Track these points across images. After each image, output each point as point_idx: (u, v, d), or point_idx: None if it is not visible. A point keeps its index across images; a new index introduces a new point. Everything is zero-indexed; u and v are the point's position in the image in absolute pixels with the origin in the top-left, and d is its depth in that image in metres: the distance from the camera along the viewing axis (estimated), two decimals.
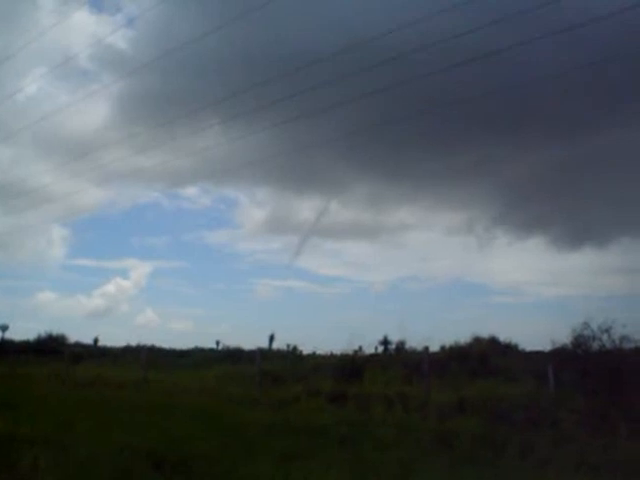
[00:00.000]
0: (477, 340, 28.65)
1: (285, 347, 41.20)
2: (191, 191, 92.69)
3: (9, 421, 10.13)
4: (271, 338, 38.48)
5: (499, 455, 8.78)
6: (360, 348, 28.90)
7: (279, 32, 37.45)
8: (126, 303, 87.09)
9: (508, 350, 28.82)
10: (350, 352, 24.36)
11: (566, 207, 62.06)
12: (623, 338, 13.61)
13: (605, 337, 13.76)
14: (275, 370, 22.52)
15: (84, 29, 62.97)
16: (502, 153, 54.53)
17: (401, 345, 33.01)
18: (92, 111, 72.35)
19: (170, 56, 33.93)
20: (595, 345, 13.85)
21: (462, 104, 28.80)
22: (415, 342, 26.50)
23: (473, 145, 52.12)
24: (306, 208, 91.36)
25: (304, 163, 59.65)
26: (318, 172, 65.25)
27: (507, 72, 23.93)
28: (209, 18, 38.41)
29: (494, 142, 52.52)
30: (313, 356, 34.94)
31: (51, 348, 37.12)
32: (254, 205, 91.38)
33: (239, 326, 72.94)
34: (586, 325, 13.97)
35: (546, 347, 17.17)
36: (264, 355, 24.49)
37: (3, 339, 38.79)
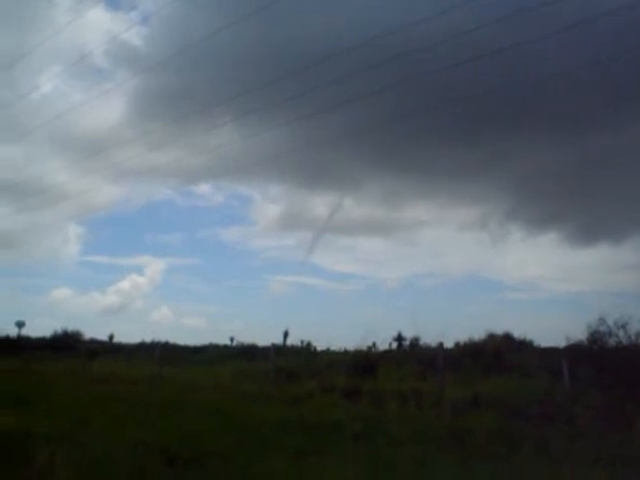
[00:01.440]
0: (491, 336, 28.53)
1: (299, 343, 41.16)
2: (205, 188, 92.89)
3: (25, 417, 10.21)
4: (285, 334, 38.48)
5: (514, 451, 8.73)
6: (374, 344, 28.79)
7: (292, 29, 37.48)
8: (140, 300, 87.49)
9: (522, 346, 28.63)
10: (364, 348, 24.34)
11: (580, 203, 61.53)
12: (639, 334, 13.53)
13: (621, 333, 13.68)
14: (289, 366, 22.53)
15: (99, 27, 63.20)
16: (516, 149, 54.17)
17: (415, 341, 32.90)
18: (107, 109, 72.63)
19: (184, 53, 34.02)
20: (611, 341, 13.77)
21: (476, 100, 28.61)
22: (429, 338, 26.37)
23: (487, 141, 51.83)
24: (320, 204, 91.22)
25: (317, 160, 59.54)
26: (331, 169, 65.13)
27: (521, 68, 23.79)
28: (223, 15, 38.51)
29: (508, 138, 52.18)
30: (327, 352, 34.87)
31: (67, 344, 37.39)
32: (268, 202, 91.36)
33: (253, 322, 72.96)
34: (602, 321, 13.88)
35: (561, 343, 17.05)
36: (278, 351, 24.50)
37: (19, 336, 39.16)
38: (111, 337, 51.25)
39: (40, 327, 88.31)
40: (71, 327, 43.36)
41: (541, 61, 23.56)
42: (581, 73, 26.99)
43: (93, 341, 45.44)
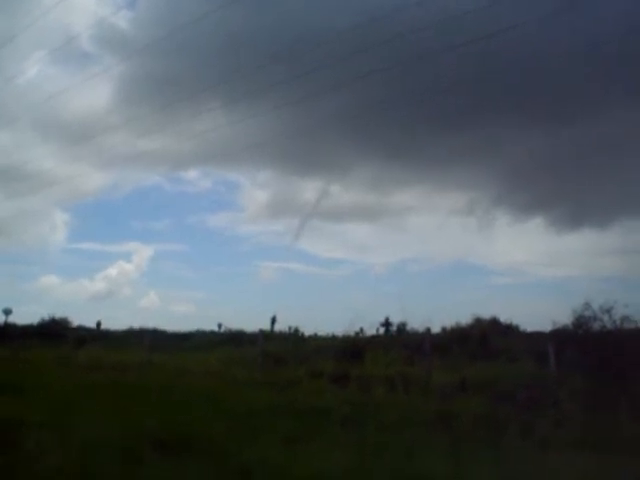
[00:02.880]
0: (478, 321, 28.63)
1: (287, 329, 41.20)
2: (193, 174, 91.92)
3: (14, 404, 10.18)
4: (273, 320, 38.44)
5: (500, 435, 8.83)
6: (361, 330, 28.95)
7: (280, 14, 37.17)
8: (129, 286, 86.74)
9: (509, 331, 28.78)
10: (351, 334, 24.45)
11: (566, 188, 61.60)
12: (624, 318, 13.67)
13: (606, 317, 13.82)
14: (277, 352, 22.58)
15: (86, 10, 61.97)
16: (504, 135, 54.04)
17: (402, 326, 32.97)
18: (94, 94, 71.59)
19: (172, 37, 33.65)
20: (596, 325, 13.90)
21: (464, 86, 28.60)
22: (416, 323, 26.47)
23: (475, 126, 51.61)
24: (308, 190, 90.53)
25: (306, 145, 59.04)
26: (320, 154, 64.60)
27: (509, 52, 23.80)
28: None
29: (496, 124, 52.09)
30: (315, 338, 34.96)
31: (55, 332, 37.20)
32: (256, 188, 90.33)
33: (241, 308, 72.61)
34: (587, 305, 14.02)
35: (547, 328, 17.18)
36: (266, 337, 24.56)
37: (7, 323, 38.90)
38: (99, 324, 50.97)
39: (28, 314, 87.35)
40: (59, 314, 43.11)
41: (529, 47, 23.61)
42: (569, 60, 27.11)
43: (81, 328, 45.22)
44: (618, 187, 51.06)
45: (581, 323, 14.11)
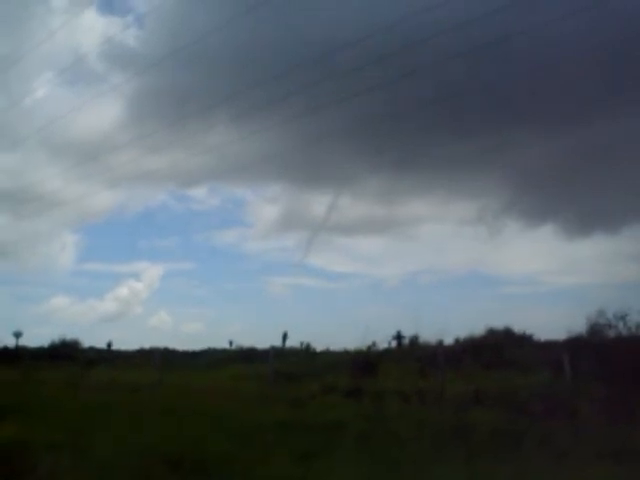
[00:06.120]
0: (491, 332, 28.46)
1: (299, 345, 41.11)
2: (201, 191, 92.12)
3: (26, 427, 10.12)
4: (284, 336, 38.43)
5: (518, 447, 8.67)
6: (374, 343, 28.77)
7: (287, 28, 37.31)
8: (138, 306, 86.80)
9: (523, 341, 28.57)
10: (364, 348, 24.31)
11: (576, 193, 61.07)
12: (639, 325, 13.52)
13: (621, 325, 13.67)
14: (289, 368, 22.47)
15: (93, 29, 62.29)
16: (512, 141, 53.71)
17: (415, 339, 32.83)
18: (102, 112, 71.45)
19: (179, 54, 33.69)
20: (611, 333, 13.76)
21: (471, 93, 28.53)
22: (429, 335, 26.33)
23: (484, 133, 51.38)
24: (317, 203, 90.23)
25: (314, 158, 58.78)
26: (329, 167, 64.27)
27: (516, 60, 23.77)
28: (218, 14, 38.24)
29: (504, 130, 51.84)
30: (327, 353, 34.88)
31: (65, 354, 37.24)
32: (264, 203, 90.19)
33: (252, 325, 72.52)
34: (601, 313, 13.88)
35: (561, 336, 17.02)
36: (278, 353, 24.46)
37: (17, 346, 38.99)
38: (109, 345, 51.06)
39: (38, 336, 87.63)
40: (69, 335, 43.18)
41: (535, 53, 23.58)
42: (576, 65, 27.04)
43: (91, 349, 45.28)
44: (628, 191, 50.68)
45: (596, 331, 13.96)
